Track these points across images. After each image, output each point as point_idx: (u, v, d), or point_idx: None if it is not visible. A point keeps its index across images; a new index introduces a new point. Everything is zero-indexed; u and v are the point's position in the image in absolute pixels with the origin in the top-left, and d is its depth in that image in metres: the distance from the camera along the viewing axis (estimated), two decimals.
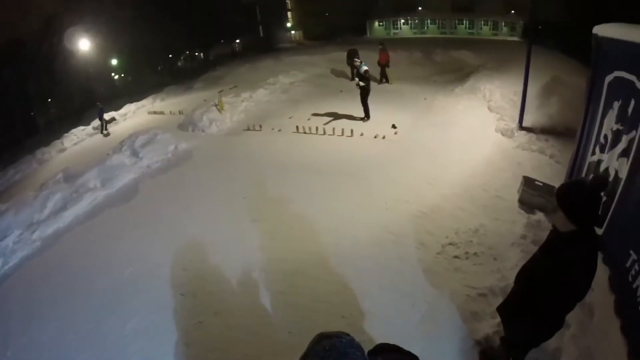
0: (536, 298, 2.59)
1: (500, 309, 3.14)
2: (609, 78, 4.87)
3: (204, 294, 5.20)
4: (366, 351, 1.43)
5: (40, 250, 7.35)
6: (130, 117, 19.30)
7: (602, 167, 4.73)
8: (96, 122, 18.08)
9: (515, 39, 30.37)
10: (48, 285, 6.09)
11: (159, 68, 39.81)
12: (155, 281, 5.61)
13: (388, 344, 1.61)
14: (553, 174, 6.78)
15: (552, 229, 2.77)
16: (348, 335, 1.30)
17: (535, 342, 2.89)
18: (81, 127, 18.64)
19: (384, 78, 16.28)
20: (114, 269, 6.13)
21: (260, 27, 44.79)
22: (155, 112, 18.09)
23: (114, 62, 35.87)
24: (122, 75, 38.76)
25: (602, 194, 2.55)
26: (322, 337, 1.28)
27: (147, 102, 21.24)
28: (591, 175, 5.05)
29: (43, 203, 8.47)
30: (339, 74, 18.85)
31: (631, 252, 3.57)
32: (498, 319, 3.67)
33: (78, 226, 7.96)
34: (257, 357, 4.12)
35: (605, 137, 4.80)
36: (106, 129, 17.18)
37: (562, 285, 2.38)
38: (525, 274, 2.87)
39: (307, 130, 11.12)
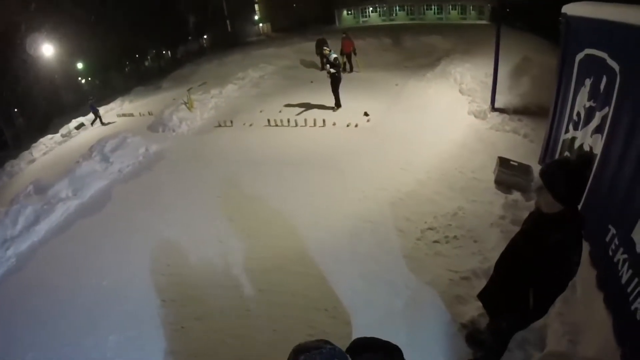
0: (524, 285, 2.53)
1: (483, 297, 3.10)
2: (579, 56, 4.93)
3: (185, 298, 5.07)
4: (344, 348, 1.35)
5: (15, 268, 7.02)
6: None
7: (577, 144, 4.78)
8: (87, 118, 18.30)
9: (484, 22, 30.64)
10: (26, 304, 5.82)
11: (126, 69, 38.99)
12: (135, 289, 5.45)
13: (365, 338, 1.53)
14: (527, 153, 6.82)
15: (532, 212, 2.72)
16: (328, 343, 1.21)
17: (524, 326, 2.86)
18: (49, 136, 18.08)
19: (349, 67, 16.25)
20: (91, 280, 5.91)
21: (228, 22, 44.22)
22: (124, 115, 17.66)
23: (80, 66, 34.92)
24: (89, 79, 37.83)
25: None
26: (299, 351, 1.19)
27: (116, 105, 20.77)
28: (566, 153, 5.10)
29: (15, 218, 8.14)
30: (308, 64, 18.74)
31: (610, 226, 3.61)
32: None
33: (53, 239, 7.65)
34: (240, 358, 4.05)
35: (578, 114, 4.85)
36: (102, 122, 17.35)
37: (552, 270, 2.33)
38: (509, 260, 2.82)
39: (279, 123, 11.00)
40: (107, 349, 4.60)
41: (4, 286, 6.61)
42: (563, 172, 2.30)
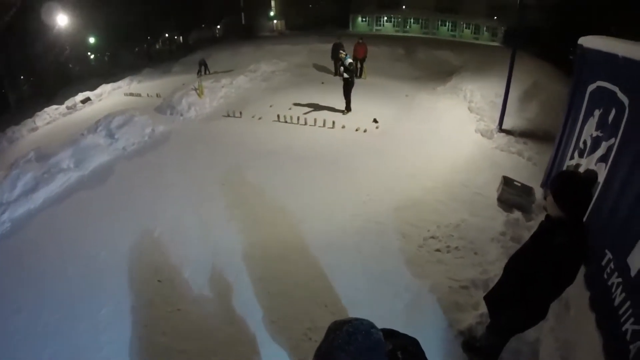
0: (526, 285, 2.66)
1: (487, 298, 3.21)
2: (591, 87, 5.07)
3: (182, 280, 5.07)
4: None
5: (9, 233, 6.96)
6: (106, 97, 18.78)
7: (581, 171, 4.91)
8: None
9: (496, 44, 30.85)
10: (18, 269, 5.75)
11: (136, 49, 38.85)
12: (131, 266, 5.43)
13: (386, 328, 1.61)
14: (530, 176, 6.95)
15: (543, 220, 2.86)
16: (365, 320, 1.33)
17: (522, 329, 2.98)
18: (54, 106, 18.02)
19: (359, 72, 16.23)
20: (86, 253, 5.86)
21: (242, 14, 44.20)
22: (132, 94, 17.71)
23: (91, 40, 34.71)
24: (99, 54, 37.68)
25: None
26: (341, 323, 1.30)
27: (124, 84, 20.76)
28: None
29: (13, 183, 8.09)
30: (320, 65, 18.83)
31: (607, 251, 3.75)
32: (481, 311, 3.78)
33: (50, 208, 7.62)
34: (235, 346, 4.03)
35: (585, 142, 4.99)
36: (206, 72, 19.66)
37: (552, 272, 2.45)
38: (516, 262, 2.95)
39: (289, 120, 11.06)
40: (97, 322, 4.53)
41: None
42: (567, 181, 2.49)
